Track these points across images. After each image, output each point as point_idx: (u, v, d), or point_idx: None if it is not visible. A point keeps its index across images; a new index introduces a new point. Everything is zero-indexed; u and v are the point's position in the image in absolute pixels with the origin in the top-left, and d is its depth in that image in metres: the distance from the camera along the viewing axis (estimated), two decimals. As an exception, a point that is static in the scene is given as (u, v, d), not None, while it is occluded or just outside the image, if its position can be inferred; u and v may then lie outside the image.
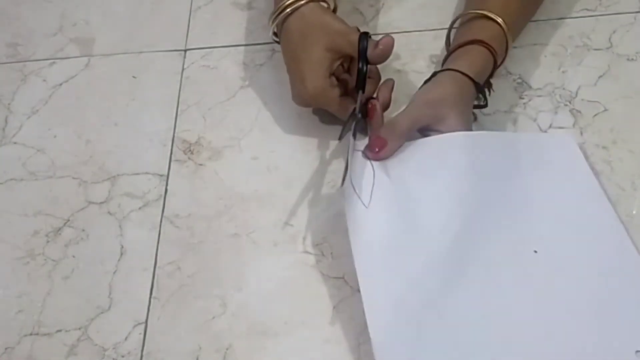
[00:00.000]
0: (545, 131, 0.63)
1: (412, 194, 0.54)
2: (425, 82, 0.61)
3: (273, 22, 0.63)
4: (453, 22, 0.65)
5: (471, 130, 0.60)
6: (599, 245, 0.53)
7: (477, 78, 0.59)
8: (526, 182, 0.56)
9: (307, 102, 0.62)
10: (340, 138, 0.60)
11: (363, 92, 0.60)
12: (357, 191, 0.54)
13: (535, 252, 0.52)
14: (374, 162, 0.56)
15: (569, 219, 0.54)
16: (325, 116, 0.65)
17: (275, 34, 0.65)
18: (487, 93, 0.63)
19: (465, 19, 0.64)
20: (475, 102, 0.62)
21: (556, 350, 0.48)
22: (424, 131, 0.58)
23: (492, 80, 0.63)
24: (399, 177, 0.55)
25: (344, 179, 0.55)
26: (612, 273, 0.52)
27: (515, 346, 0.48)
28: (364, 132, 0.60)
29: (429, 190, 0.55)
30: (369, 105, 0.58)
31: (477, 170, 0.56)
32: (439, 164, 0.56)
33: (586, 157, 0.59)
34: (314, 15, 0.61)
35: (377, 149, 0.56)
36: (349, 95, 0.62)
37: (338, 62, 0.61)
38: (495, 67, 0.62)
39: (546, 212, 0.54)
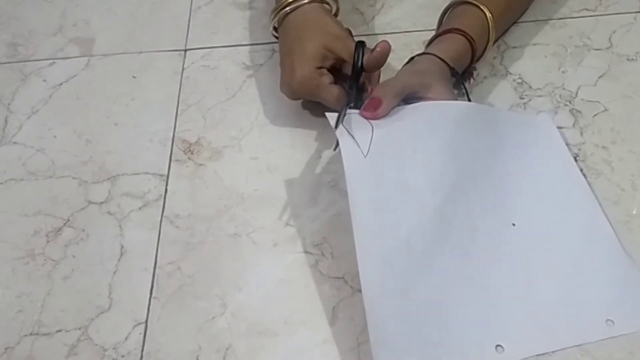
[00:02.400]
0: (545, 131, 0.63)
1: (406, 154, 0.55)
2: (405, 64, 0.63)
3: (275, 18, 0.64)
4: (444, 11, 0.67)
5: None
6: (574, 220, 0.56)
7: (452, 63, 0.61)
8: (508, 156, 0.58)
9: (295, 91, 0.62)
10: (336, 127, 0.60)
11: (355, 106, 0.59)
12: (357, 141, 0.54)
13: (514, 225, 0.55)
14: (371, 121, 0.57)
15: (547, 194, 0.57)
16: (325, 116, 0.64)
17: (275, 29, 0.65)
18: (466, 84, 0.64)
19: (455, 7, 0.66)
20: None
21: (530, 316, 0.51)
22: (411, 99, 0.59)
23: (494, 81, 0.63)
24: (394, 136, 0.56)
25: (336, 146, 0.55)
26: (585, 247, 0.54)
27: (492, 310, 0.51)
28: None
29: (421, 153, 0.56)
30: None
31: (465, 140, 0.57)
32: (431, 128, 0.57)
33: (564, 139, 0.61)
34: (315, 15, 0.62)
35: (373, 108, 0.56)
36: (341, 85, 0.62)
37: (330, 62, 0.62)
38: (474, 56, 0.63)
39: (525, 186, 0.57)
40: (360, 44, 0.60)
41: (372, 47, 0.60)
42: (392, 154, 0.55)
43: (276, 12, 0.63)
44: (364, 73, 0.60)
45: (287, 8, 0.62)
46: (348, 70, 0.61)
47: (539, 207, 0.56)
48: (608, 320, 0.50)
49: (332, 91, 0.61)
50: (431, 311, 0.50)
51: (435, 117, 0.57)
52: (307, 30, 0.61)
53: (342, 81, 0.63)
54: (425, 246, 0.52)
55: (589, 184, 0.58)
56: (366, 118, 0.56)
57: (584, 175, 0.59)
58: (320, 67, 0.61)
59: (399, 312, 0.49)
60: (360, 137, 0.55)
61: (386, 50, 0.59)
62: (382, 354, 0.48)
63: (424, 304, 0.50)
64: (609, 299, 0.52)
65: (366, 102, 0.57)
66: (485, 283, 0.52)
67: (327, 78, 0.61)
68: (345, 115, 0.56)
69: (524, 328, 0.51)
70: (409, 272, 0.51)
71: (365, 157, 0.54)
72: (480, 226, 0.54)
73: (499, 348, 0.49)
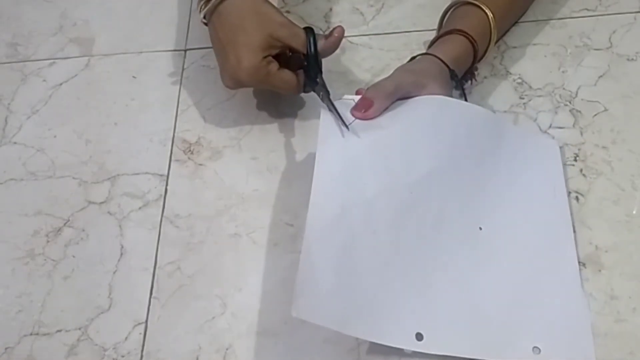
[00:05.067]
0: (546, 131, 0.63)
1: (388, 138, 0.55)
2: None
3: (205, 6, 0.60)
4: (445, 12, 0.67)
5: None
6: (542, 245, 0.55)
7: (453, 64, 0.60)
8: (499, 165, 0.58)
9: (242, 81, 0.60)
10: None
11: (313, 90, 0.60)
12: (341, 116, 0.55)
13: (480, 229, 0.54)
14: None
15: (526, 212, 0.56)
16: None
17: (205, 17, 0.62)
18: (464, 86, 0.64)
19: (456, 7, 0.66)
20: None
21: (461, 317, 0.51)
22: (405, 99, 0.59)
23: (494, 81, 0.63)
24: (380, 122, 0.56)
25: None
26: (542, 274, 0.53)
27: (425, 300, 0.51)
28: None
29: (405, 139, 0.56)
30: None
31: (454, 136, 0.57)
32: (423, 120, 0.57)
33: (564, 165, 0.60)
34: (254, 3, 0.60)
35: (364, 110, 0.56)
36: (286, 69, 0.61)
37: (276, 51, 0.60)
38: (476, 56, 0.63)
39: (507, 197, 0.56)
40: (311, 30, 0.60)
41: (328, 33, 0.60)
42: (373, 134, 0.55)
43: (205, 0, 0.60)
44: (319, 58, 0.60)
45: None
46: (298, 57, 0.61)
47: (513, 221, 0.55)
48: (535, 347, 0.50)
49: (282, 77, 0.60)
50: (365, 283, 0.50)
51: (429, 111, 0.57)
52: (249, 19, 0.59)
53: (288, 68, 0.62)
54: (383, 222, 0.52)
55: (572, 217, 0.56)
56: (356, 118, 0.56)
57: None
58: (266, 56, 0.59)
59: (335, 272, 0.49)
60: (343, 115, 0.56)
61: (342, 35, 0.60)
62: (303, 305, 0.47)
63: (361, 274, 0.50)
64: (545, 328, 0.51)
65: (358, 101, 0.57)
66: (429, 274, 0.52)
67: (275, 65, 0.60)
68: (337, 112, 0.56)
69: (451, 326, 0.50)
70: (359, 238, 0.50)
71: (343, 137, 0.54)
72: (446, 220, 0.54)
73: (418, 336, 0.49)
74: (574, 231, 0.56)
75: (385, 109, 0.57)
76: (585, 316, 0.52)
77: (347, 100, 0.58)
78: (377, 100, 0.56)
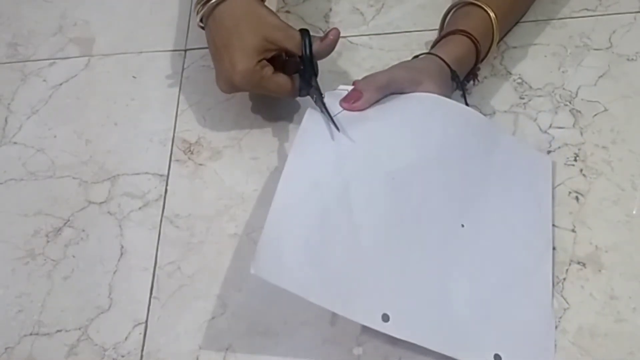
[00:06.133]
0: (546, 131, 0.63)
1: (375, 129, 0.56)
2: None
3: (202, 9, 0.60)
4: (447, 12, 0.67)
5: None
6: (519, 254, 0.54)
7: (455, 65, 0.60)
8: (488, 172, 0.57)
9: (237, 85, 0.60)
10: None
11: (308, 94, 0.60)
12: (332, 119, 0.55)
13: (462, 225, 0.54)
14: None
15: (508, 218, 0.56)
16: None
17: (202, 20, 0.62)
18: (470, 85, 0.64)
19: (458, 8, 0.66)
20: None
21: (428, 307, 0.50)
22: (398, 94, 0.59)
23: (494, 81, 0.63)
24: (367, 113, 0.57)
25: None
26: (514, 282, 0.53)
27: (397, 283, 0.50)
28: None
29: (392, 131, 0.56)
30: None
31: (443, 135, 0.57)
32: (410, 115, 0.57)
33: (553, 182, 0.59)
34: (248, 5, 0.59)
35: (352, 100, 0.56)
36: (282, 73, 0.61)
37: (271, 54, 0.60)
38: (479, 57, 0.63)
39: (491, 203, 0.56)
40: (307, 33, 0.60)
41: (324, 35, 0.60)
42: (360, 127, 0.55)
43: (203, 2, 0.60)
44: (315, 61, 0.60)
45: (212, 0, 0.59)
46: (294, 61, 0.61)
47: (495, 227, 0.55)
48: (497, 354, 0.49)
49: (277, 81, 0.60)
50: (336, 255, 0.50)
51: (421, 107, 0.57)
52: (243, 22, 0.59)
53: (284, 72, 0.62)
54: (361, 202, 0.52)
55: (554, 232, 0.56)
56: (344, 109, 0.56)
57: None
58: (261, 60, 0.59)
59: (304, 240, 0.49)
60: (333, 106, 0.56)
61: (337, 38, 0.60)
62: (265, 265, 0.48)
63: (333, 247, 0.50)
64: (510, 338, 0.50)
65: (348, 92, 0.57)
66: (404, 259, 0.51)
67: (269, 69, 0.60)
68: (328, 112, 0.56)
69: (419, 314, 0.50)
70: (333, 212, 0.51)
71: (327, 129, 0.55)
72: (428, 210, 0.53)
73: (385, 316, 0.49)
74: (574, 231, 0.56)
75: (377, 102, 0.57)
76: (551, 334, 0.51)
77: (341, 91, 0.58)
78: (367, 92, 0.56)
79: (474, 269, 0.53)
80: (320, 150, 0.54)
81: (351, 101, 0.56)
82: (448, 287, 0.52)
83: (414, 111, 0.57)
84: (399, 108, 0.57)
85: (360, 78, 0.63)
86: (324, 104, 0.56)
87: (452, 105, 0.59)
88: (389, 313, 0.49)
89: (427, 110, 0.57)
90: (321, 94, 0.58)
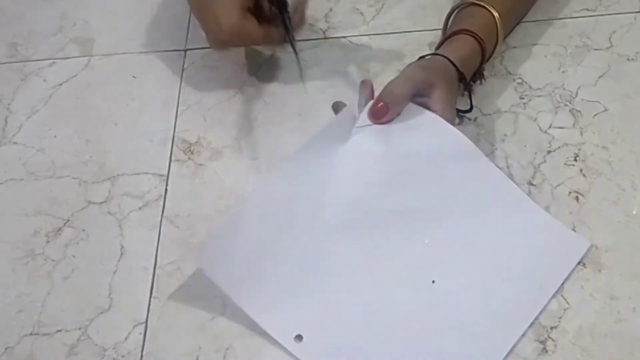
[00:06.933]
0: (546, 131, 0.63)
1: (379, 161, 0.57)
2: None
3: None
4: (451, 12, 0.67)
5: (454, 110, 0.60)
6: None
7: (461, 64, 0.60)
8: (472, 219, 0.56)
9: (224, 41, 0.61)
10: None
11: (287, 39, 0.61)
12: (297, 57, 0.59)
13: (433, 282, 0.53)
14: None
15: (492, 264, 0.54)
16: (326, 116, 0.64)
17: None
18: (476, 85, 0.64)
19: (461, 8, 0.65)
20: (462, 108, 0.63)
21: (348, 331, 0.51)
22: (416, 97, 0.58)
23: (494, 81, 0.63)
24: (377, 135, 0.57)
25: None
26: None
27: (319, 303, 0.52)
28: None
29: (393, 165, 0.57)
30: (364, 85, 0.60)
31: (436, 166, 0.57)
32: (411, 139, 0.57)
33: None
34: None
35: (379, 116, 0.57)
36: (267, 23, 0.62)
37: (250, 4, 0.60)
38: (484, 56, 0.62)
39: (469, 249, 0.55)
40: None
41: None
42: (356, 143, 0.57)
43: None
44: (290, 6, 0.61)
45: None
46: (267, 6, 0.61)
47: (467, 269, 0.54)
48: None
49: (264, 31, 0.61)
50: (274, 268, 0.52)
51: (427, 132, 0.57)
52: None
53: (263, 19, 0.62)
54: (329, 227, 0.54)
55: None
56: (373, 123, 0.57)
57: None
58: (244, 13, 0.59)
59: (255, 247, 0.52)
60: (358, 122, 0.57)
61: None
62: (210, 261, 0.51)
63: (275, 260, 0.52)
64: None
65: (372, 106, 0.57)
66: (336, 287, 0.52)
67: (253, 21, 0.60)
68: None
69: (334, 342, 0.51)
70: (295, 230, 0.53)
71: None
72: (399, 269, 0.53)
73: (297, 338, 0.51)
74: (574, 231, 0.56)
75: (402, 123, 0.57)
76: None
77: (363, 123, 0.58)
78: (393, 105, 0.57)
79: (421, 319, 0.52)
80: (312, 170, 0.55)
81: (378, 117, 0.57)
82: (382, 311, 0.52)
83: (423, 153, 0.57)
84: (412, 140, 0.57)
85: (361, 78, 0.63)
86: (293, 37, 0.59)
87: (484, 163, 0.57)
88: (302, 334, 0.50)
89: (458, 170, 0.57)
90: (291, 27, 0.60)
